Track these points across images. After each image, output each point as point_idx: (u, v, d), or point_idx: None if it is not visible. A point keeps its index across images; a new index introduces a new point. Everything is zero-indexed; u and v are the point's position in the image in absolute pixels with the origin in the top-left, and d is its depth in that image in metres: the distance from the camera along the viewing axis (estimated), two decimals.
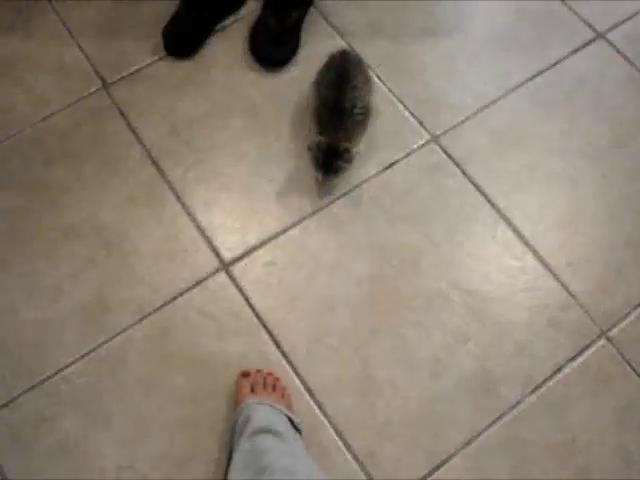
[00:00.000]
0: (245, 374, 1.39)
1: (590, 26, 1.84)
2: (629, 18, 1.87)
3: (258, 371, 1.39)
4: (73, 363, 1.42)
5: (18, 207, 1.57)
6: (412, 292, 1.50)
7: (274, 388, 1.36)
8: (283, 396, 1.36)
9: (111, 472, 1.33)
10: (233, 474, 1.14)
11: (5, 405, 1.38)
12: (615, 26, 1.85)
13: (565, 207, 1.61)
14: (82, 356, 1.42)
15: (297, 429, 1.30)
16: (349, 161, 1.51)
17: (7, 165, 1.62)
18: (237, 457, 1.17)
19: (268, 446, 1.15)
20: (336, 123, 1.52)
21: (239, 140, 1.66)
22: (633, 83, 1.77)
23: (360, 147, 1.57)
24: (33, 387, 1.39)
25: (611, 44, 1.82)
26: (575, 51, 1.81)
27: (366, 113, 1.56)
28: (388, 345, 1.44)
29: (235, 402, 1.36)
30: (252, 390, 1.34)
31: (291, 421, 1.30)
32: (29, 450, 1.34)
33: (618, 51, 1.81)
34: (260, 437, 1.18)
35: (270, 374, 1.39)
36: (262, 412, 1.27)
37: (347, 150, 1.49)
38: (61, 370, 1.41)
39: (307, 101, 1.66)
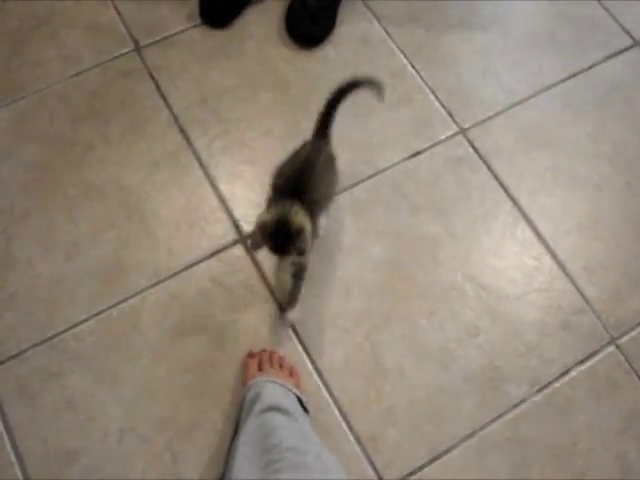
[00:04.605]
0: (251, 355, 1.39)
1: (628, 33, 1.83)
2: None
3: (263, 349, 1.40)
4: (85, 321, 1.42)
5: (42, 161, 1.57)
6: (428, 282, 1.50)
7: (281, 366, 1.36)
8: (291, 374, 1.36)
9: (114, 432, 1.33)
10: (240, 450, 1.13)
11: (14, 357, 1.38)
12: None
13: (587, 212, 1.61)
14: (94, 315, 1.43)
15: (305, 408, 1.30)
16: (302, 252, 1.21)
17: (34, 119, 1.61)
18: (245, 434, 1.16)
19: (277, 424, 1.15)
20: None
21: (267, 114, 1.65)
22: None
23: (385, 136, 1.55)
24: (43, 341, 1.40)
25: None
26: (610, 57, 1.80)
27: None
28: (400, 332, 1.45)
29: (242, 381, 1.36)
30: (259, 368, 1.35)
31: (299, 400, 1.30)
32: (34, 403, 1.35)
33: None
34: (269, 415, 1.18)
35: (274, 352, 1.40)
36: (271, 390, 1.27)
37: (300, 230, 1.17)
38: (72, 327, 1.41)
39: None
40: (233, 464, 1.11)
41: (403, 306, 1.47)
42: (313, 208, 1.24)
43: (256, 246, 1.28)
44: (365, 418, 1.37)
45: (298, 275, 1.35)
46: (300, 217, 1.18)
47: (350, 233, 1.54)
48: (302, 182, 1.24)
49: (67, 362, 1.38)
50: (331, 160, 1.35)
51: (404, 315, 1.46)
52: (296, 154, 1.32)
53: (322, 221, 1.40)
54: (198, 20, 1.75)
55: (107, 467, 1.31)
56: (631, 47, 1.82)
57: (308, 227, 1.19)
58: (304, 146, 1.33)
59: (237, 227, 1.53)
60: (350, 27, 1.76)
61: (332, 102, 1.34)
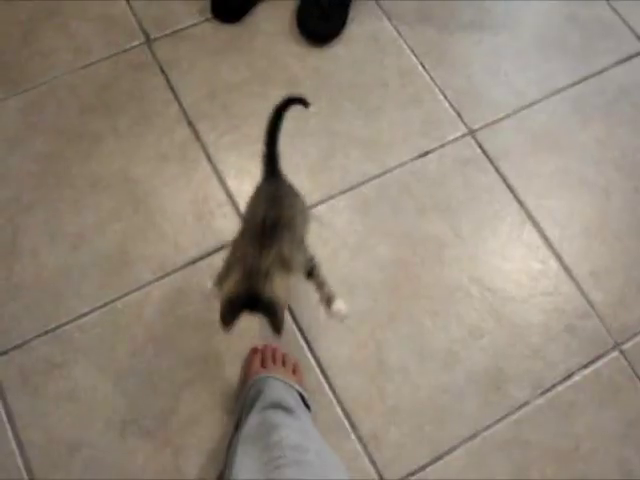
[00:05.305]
0: (254, 351, 1.39)
1: (639, 38, 1.82)
2: None
3: (266, 345, 1.39)
4: (89, 313, 1.42)
5: (50, 152, 1.57)
6: (433, 282, 1.50)
7: (284, 363, 1.36)
8: (294, 371, 1.36)
9: (116, 424, 1.33)
10: (241, 447, 1.12)
11: (18, 347, 1.38)
12: None
13: (594, 216, 1.60)
14: (99, 307, 1.43)
15: (307, 405, 1.30)
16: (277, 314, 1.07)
17: (43, 109, 1.61)
18: (246, 430, 1.15)
19: (279, 422, 1.14)
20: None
21: None
22: None
23: (393, 136, 1.54)
24: (47, 332, 1.40)
25: None
26: (621, 62, 1.79)
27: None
28: (404, 332, 1.44)
29: (245, 376, 1.36)
30: (262, 365, 1.34)
31: (302, 397, 1.30)
32: (37, 393, 1.35)
33: None
34: (271, 412, 1.17)
35: (278, 349, 1.39)
36: (274, 387, 1.27)
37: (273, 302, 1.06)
38: (77, 318, 1.41)
39: None
40: (234, 460, 1.10)
41: (408, 306, 1.47)
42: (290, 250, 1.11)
43: (229, 323, 1.10)
44: (367, 417, 1.37)
45: (311, 273, 1.23)
46: (271, 285, 1.06)
47: (356, 232, 1.53)
48: (272, 227, 1.10)
49: (71, 353, 1.38)
50: (296, 196, 1.23)
51: (409, 315, 1.46)
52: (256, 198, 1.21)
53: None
54: (209, 14, 1.75)
55: (108, 459, 1.31)
56: None
57: (282, 290, 1.07)
58: (259, 190, 1.23)
59: None
60: (361, 25, 1.76)
61: (272, 130, 1.25)
